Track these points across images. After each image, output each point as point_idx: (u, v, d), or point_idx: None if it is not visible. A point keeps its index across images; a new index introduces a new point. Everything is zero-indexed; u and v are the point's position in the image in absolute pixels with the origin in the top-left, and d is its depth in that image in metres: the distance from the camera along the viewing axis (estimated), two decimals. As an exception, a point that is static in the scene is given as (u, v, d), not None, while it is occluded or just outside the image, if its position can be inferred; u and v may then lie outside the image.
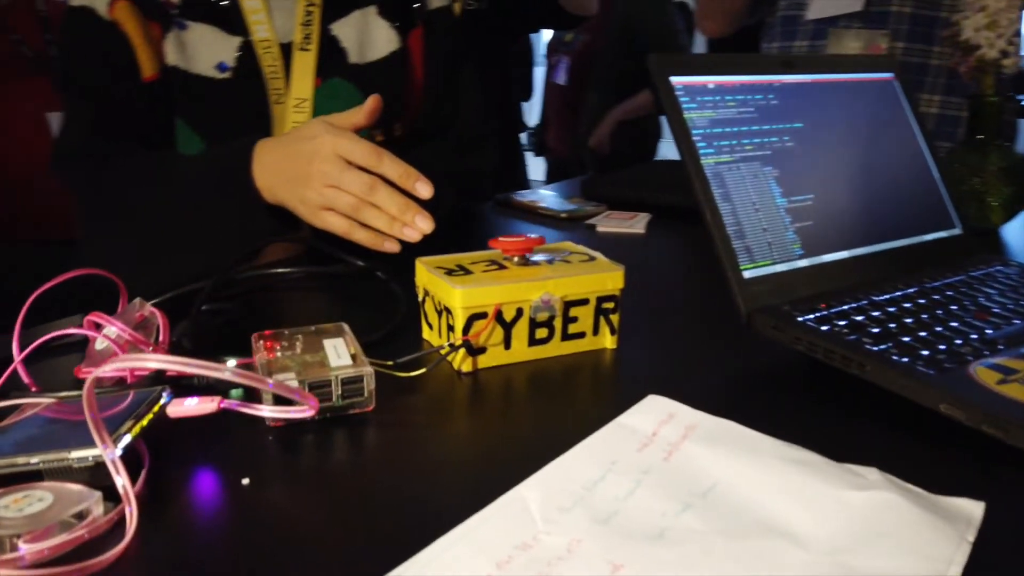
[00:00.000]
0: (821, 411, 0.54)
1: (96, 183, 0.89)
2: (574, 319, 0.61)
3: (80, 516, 0.39)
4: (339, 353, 0.53)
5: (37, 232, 1.59)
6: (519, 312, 0.58)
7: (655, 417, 0.49)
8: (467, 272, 0.60)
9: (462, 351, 0.57)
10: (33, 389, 0.52)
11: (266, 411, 0.47)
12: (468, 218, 1.14)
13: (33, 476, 0.41)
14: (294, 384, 0.49)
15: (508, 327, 0.58)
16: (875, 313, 0.59)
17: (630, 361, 0.62)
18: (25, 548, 0.36)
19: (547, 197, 1.23)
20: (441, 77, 1.08)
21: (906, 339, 0.55)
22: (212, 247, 0.81)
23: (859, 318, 0.58)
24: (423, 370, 0.56)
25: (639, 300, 0.72)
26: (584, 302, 0.61)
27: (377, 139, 1.02)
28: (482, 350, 0.58)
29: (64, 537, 0.37)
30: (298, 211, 0.79)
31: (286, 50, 0.96)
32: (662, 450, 0.45)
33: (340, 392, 0.50)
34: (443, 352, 0.57)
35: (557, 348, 0.61)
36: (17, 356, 0.52)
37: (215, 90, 0.94)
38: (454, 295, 0.56)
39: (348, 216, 0.77)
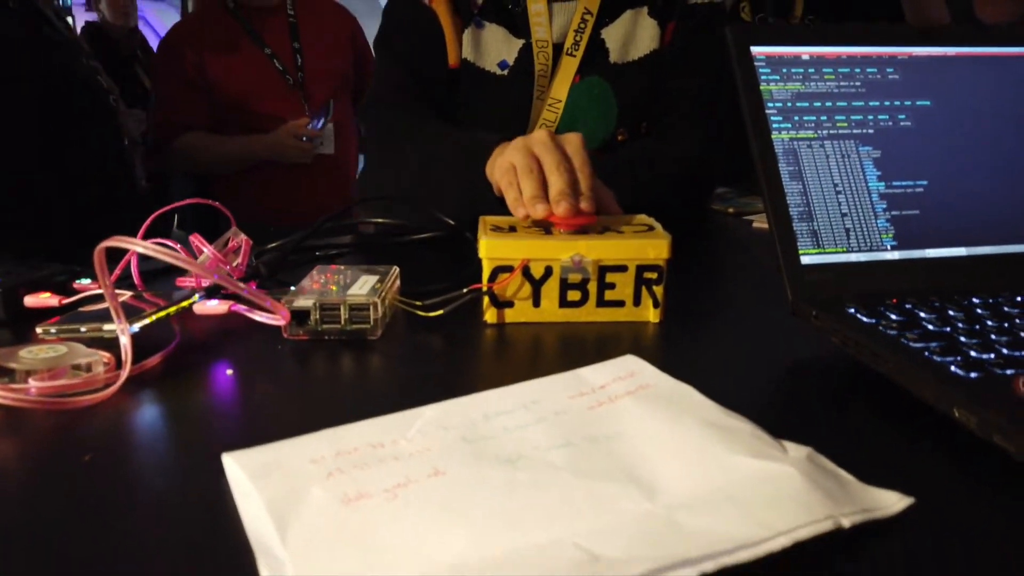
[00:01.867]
0: (856, 417, 0.47)
1: (390, 133, 1.05)
2: (611, 285, 0.59)
3: (87, 369, 0.48)
4: (364, 286, 0.58)
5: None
6: (548, 270, 0.58)
7: (613, 373, 0.46)
8: (510, 231, 0.61)
9: (487, 301, 0.59)
10: (139, 289, 0.64)
11: (256, 315, 0.54)
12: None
13: (84, 343, 0.51)
14: (309, 303, 0.55)
15: (537, 284, 0.59)
16: (951, 313, 0.50)
17: (672, 337, 0.59)
18: (32, 383, 0.46)
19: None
20: (670, 69, 1.07)
21: (960, 341, 0.46)
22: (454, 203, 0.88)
23: (924, 315, 0.50)
24: (441, 312, 0.59)
25: (708, 281, 0.67)
26: (622, 268, 0.59)
27: (620, 138, 1.07)
28: (509, 304, 0.59)
29: (65, 381, 0.46)
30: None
31: (557, 50, 1.05)
32: (595, 400, 0.43)
33: (347, 316, 0.55)
34: (464, 295, 0.59)
35: (592, 314, 0.60)
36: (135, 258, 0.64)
37: (493, 85, 1.06)
38: (481, 245, 0.58)
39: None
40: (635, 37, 1.05)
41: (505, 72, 1.05)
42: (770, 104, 0.58)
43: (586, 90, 1.04)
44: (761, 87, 0.59)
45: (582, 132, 0.73)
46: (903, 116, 0.60)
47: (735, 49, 0.59)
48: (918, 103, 0.61)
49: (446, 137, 0.98)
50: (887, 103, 0.60)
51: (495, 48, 1.05)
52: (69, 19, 2.62)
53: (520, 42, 1.04)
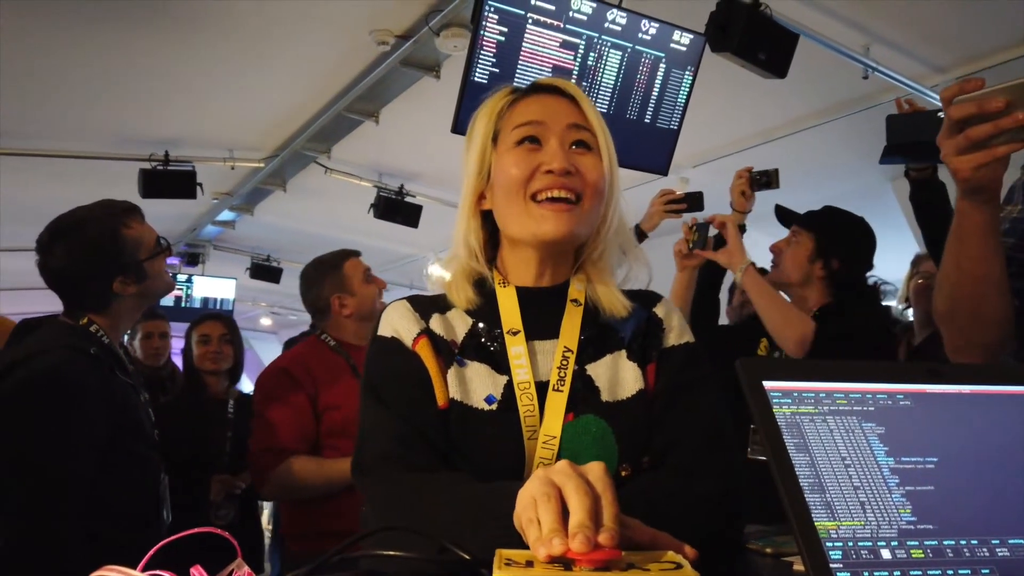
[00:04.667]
0: None
1: (397, 493, 0.94)
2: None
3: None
4: None
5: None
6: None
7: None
8: (527, 566, 0.59)
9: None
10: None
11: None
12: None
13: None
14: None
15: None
16: None
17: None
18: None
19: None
20: (664, 407, 1.08)
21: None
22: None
23: None
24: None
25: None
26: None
27: (623, 473, 1.04)
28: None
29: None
30: None
31: (541, 388, 1.04)
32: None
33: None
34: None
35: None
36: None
37: (482, 421, 1.02)
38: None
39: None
40: (620, 378, 1.06)
41: (493, 406, 1.01)
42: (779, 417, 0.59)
43: (584, 429, 1.02)
44: (774, 409, 0.59)
45: None
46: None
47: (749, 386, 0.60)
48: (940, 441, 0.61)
49: (463, 489, 0.92)
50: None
51: (480, 384, 1.02)
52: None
53: (504, 378, 1.02)
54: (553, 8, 2.26)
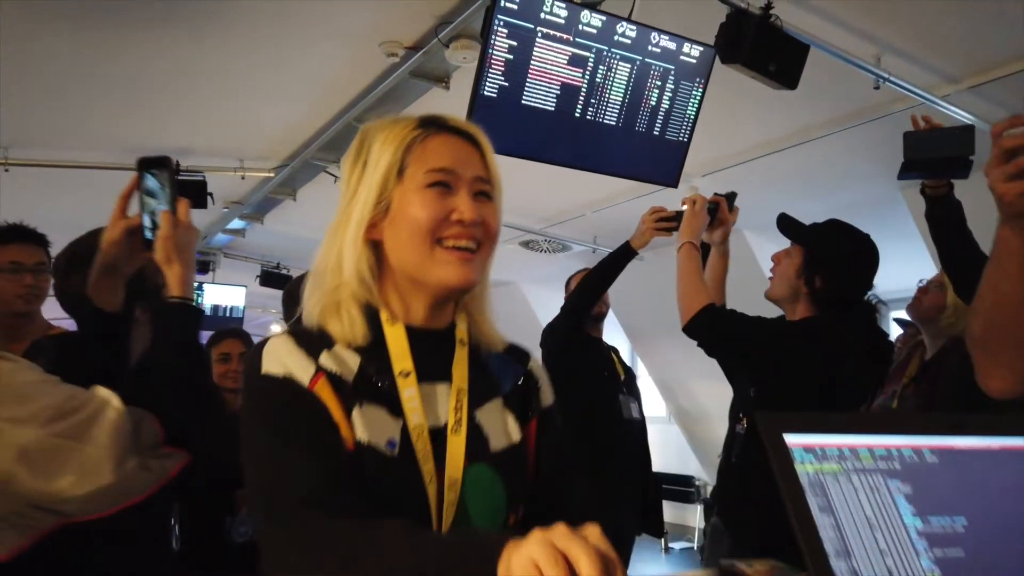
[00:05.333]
0: None
1: (330, 546, 0.85)
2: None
3: None
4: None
5: None
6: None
7: None
8: None
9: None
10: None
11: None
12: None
13: None
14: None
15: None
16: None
17: None
18: None
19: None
20: (550, 466, 1.13)
21: None
22: None
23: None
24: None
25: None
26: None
27: (510, 521, 1.04)
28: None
29: None
30: None
31: (435, 435, 0.99)
32: None
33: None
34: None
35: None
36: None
37: (387, 465, 0.97)
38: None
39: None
40: (504, 428, 1.08)
41: (395, 451, 0.97)
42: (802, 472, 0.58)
43: (475, 480, 1.01)
44: (797, 467, 0.57)
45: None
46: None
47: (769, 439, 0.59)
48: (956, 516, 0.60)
49: (429, 537, 0.88)
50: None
51: (380, 427, 0.97)
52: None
53: (399, 421, 0.98)
54: (563, 21, 2.25)
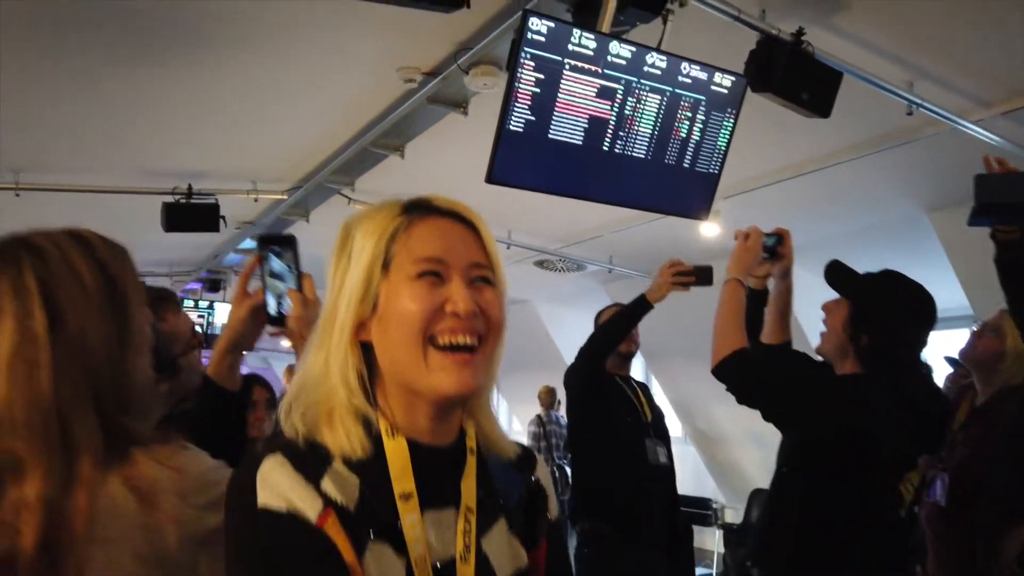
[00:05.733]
0: None
1: None
2: None
3: None
4: None
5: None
6: None
7: None
8: None
9: None
10: None
11: None
12: None
13: None
14: None
15: None
16: None
17: None
18: None
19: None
20: None
21: None
22: None
23: None
24: None
25: None
26: None
27: None
28: None
29: None
30: None
31: (444, 568, 0.90)
32: None
33: None
34: None
35: None
36: None
37: None
38: None
39: None
40: (509, 555, 0.96)
41: None
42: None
43: None
44: None
45: None
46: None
47: None
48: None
49: None
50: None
51: (390, 569, 0.86)
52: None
53: (403, 559, 0.87)
54: (591, 53, 2.19)
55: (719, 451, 6.77)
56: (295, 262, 1.29)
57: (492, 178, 2.19)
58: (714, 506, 6.47)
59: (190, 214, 4.13)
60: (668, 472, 2.98)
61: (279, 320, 1.29)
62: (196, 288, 6.65)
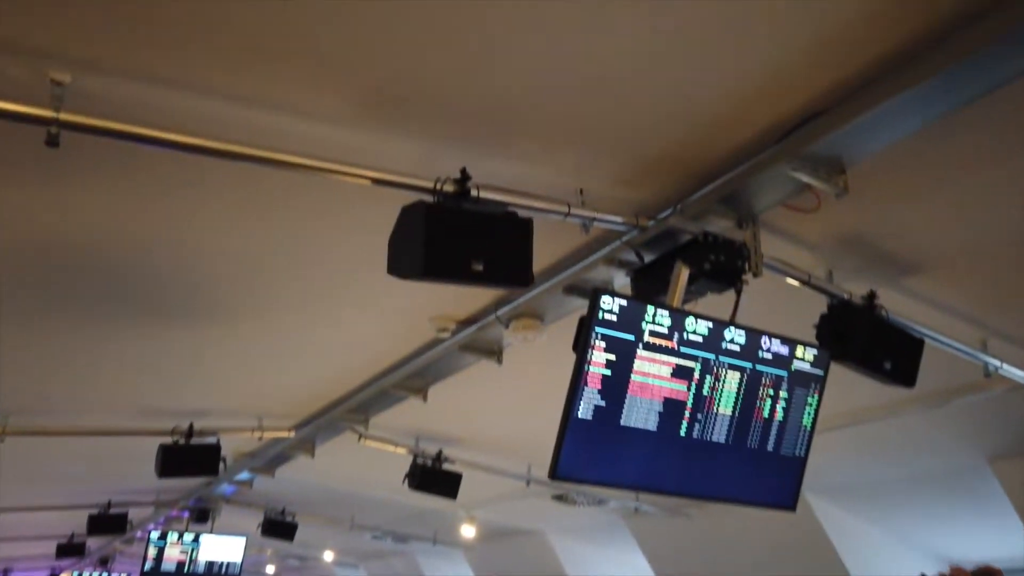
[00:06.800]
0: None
1: None
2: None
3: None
4: None
5: None
6: None
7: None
8: None
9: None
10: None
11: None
12: None
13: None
14: None
15: None
16: None
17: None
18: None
19: None
20: None
21: None
22: None
23: None
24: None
25: None
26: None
27: None
28: None
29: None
30: None
31: None
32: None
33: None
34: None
35: None
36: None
37: None
38: None
39: None
40: None
41: None
42: None
43: None
44: None
45: None
46: None
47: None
48: None
49: None
50: None
51: None
52: None
53: None
54: (666, 330, 1.95)
55: None
56: None
57: (556, 474, 1.88)
58: None
59: (188, 457, 3.79)
60: None
61: None
62: (182, 517, 6.10)
